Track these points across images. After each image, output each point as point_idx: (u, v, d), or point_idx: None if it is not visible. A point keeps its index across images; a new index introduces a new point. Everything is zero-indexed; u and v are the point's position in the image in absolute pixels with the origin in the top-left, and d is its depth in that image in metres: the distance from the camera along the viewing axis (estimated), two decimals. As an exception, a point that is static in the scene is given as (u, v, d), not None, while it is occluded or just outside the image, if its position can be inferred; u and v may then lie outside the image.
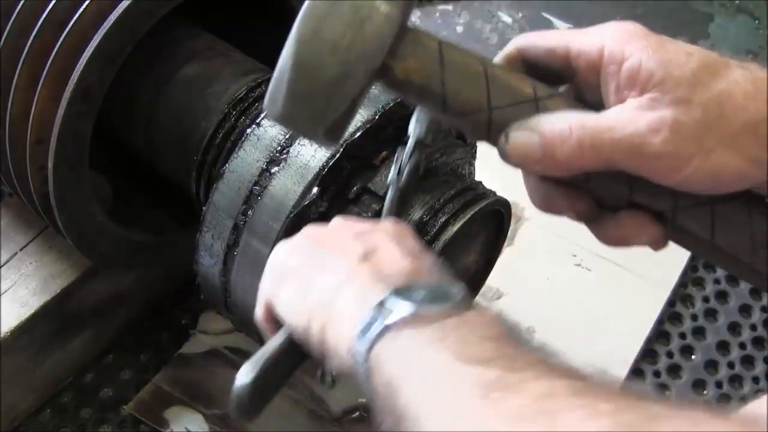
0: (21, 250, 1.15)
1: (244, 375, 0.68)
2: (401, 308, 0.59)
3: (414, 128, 0.85)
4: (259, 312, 0.73)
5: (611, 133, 0.60)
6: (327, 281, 0.66)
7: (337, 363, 0.65)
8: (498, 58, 0.72)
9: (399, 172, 0.85)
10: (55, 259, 1.14)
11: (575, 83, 0.67)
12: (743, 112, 0.59)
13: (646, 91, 0.60)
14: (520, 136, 0.64)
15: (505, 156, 0.65)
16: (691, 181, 0.60)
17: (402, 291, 0.61)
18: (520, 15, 1.82)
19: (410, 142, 0.85)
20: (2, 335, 1.08)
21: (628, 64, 0.62)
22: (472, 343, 0.57)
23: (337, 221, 0.74)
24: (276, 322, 0.71)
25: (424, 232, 0.89)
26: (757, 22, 1.83)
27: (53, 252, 1.15)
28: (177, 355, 1.25)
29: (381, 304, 0.60)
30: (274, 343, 0.70)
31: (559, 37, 0.67)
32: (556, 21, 1.81)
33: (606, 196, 0.64)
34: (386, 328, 0.59)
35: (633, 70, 0.61)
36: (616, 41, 0.64)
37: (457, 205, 0.90)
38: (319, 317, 0.65)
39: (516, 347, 0.57)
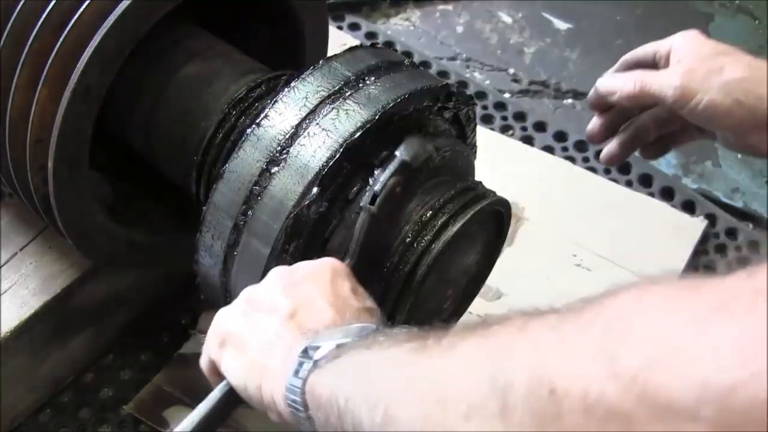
0: (21, 250, 1.15)
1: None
2: (325, 347, 0.69)
3: (404, 149, 0.87)
4: (204, 367, 0.82)
5: (655, 75, 0.99)
6: (259, 343, 0.76)
7: (276, 415, 0.73)
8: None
9: (373, 198, 0.85)
10: (55, 259, 1.14)
11: None
12: (736, 72, 0.95)
13: (683, 60, 0.98)
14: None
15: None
16: (696, 111, 0.95)
17: (324, 337, 0.71)
18: (520, 15, 1.82)
19: (395, 163, 0.87)
20: (2, 335, 1.08)
21: (679, 51, 1.00)
22: (395, 337, 0.65)
23: (273, 274, 0.81)
24: (219, 375, 0.80)
25: (424, 232, 0.89)
26: (757, 22, 1.83)
27: (53, 252, 1.15)
28: (177, 355, 1.25)
29: (305, 351, 0.70)
30: (212, 397, 0.80)
31: (659, 43, 1.04)
32: (556, 21, 1.81)
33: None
34: (315, 364, 0.68)
35: (681, 53, 0.99)
36: (680, 40, 1.01)
37: (457, 205, 0.90)
38: (255, 377, 0.75)
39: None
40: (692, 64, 0.97)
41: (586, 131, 1.12)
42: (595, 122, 1.10)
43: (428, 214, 0.89)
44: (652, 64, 1.03)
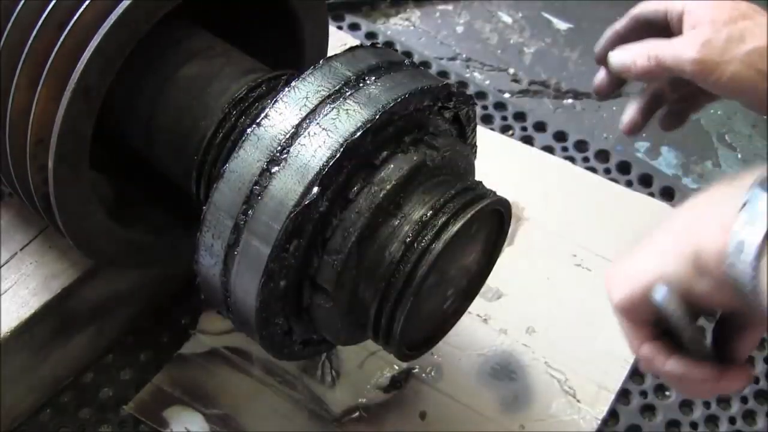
0: (21, 249, 1.15)
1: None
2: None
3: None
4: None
5: (671, 47, 0.92)
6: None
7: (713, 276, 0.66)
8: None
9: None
10: (55, 258, 1.14)
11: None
12: (758, 39, 0.88)
13: (698, 27, 0.91)
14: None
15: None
16: (718, 85, 0.89)
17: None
18: (520, 15, 1.82)
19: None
20: (2, 335, 1.08)
21: (692, 14, 0.93)
22: None
23: None
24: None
25: (424, 231, 0.89)
26: (757, 22, 1.83)
27: (53, 252, 1.15)
28: (177, 355, 1.25)
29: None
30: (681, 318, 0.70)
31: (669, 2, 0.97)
32: (555, 21, 1.81)
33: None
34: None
35: (694, 17, 0.92)
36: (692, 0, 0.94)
37: (458, 204, 0.90)
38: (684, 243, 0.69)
39: None
40: (709, 33, 0.90)
41: (594, 84, 1.06)
42: (601, 76, 1.06)
43: (428, 214, 0.89)
44: (663, 24, 0.97)
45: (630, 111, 1.05)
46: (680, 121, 1.09)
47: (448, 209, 0.90)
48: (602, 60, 1.05)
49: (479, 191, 0.94)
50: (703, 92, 0.99)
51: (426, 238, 0.88)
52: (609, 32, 1.03)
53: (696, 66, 0.89)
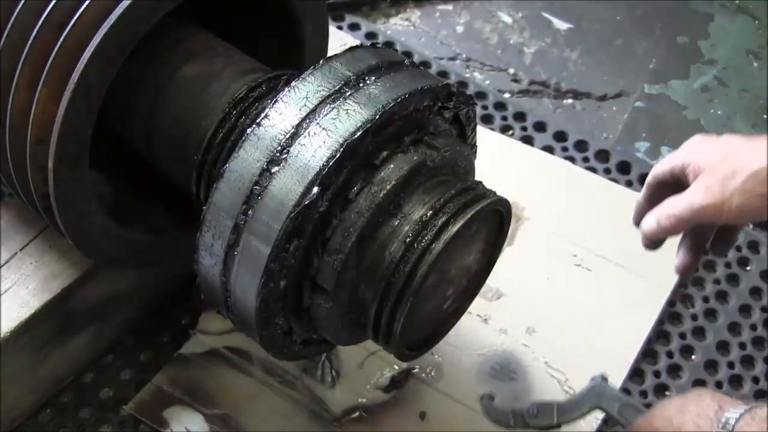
0: (21, 249, 1.15)
1: None
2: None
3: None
4: None
5: (683, 202, 1.01)
6: None
7: None
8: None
9: None
10: (55, 259, 1.14)
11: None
12: (747, 168, 0.96)
13: (699, 176, 1.01)
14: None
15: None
16: (731, 219, 0.99)
17: None
18: (520, 15, 1.82)
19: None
20: (2, 335, 1.08)
21: (691, 166, 1.03)
22: None
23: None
24: None
25: (424, 231, 0.89)
26: (757, 22, 1.83)
27: (53, 252, 1.15)
28: (177, 355, 1.25)
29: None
30: None
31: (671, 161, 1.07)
32: (556, 21, 1.81)
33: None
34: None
35: (694, 167, 1.02)
36: (689, 153, 1.04)
37: (458, 204, 0.90)
38: None
39: None
40: (707, 180, 0.99)
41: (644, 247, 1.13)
42: (646, 242, 1.13)
43: (428, 214, 0.89)
44: (677, 180, 1.05)
45: (681, 254, 1.12)
46: (729, 244, 1.14)
47: (448, 209, 0.90)
48: (649, 245, 1.12)
49: (479, 191, 0.94)
50: None
51: (426, 238, 0.88)
52: (636, 204, 1.13)
53: (706, 211, 0.98)
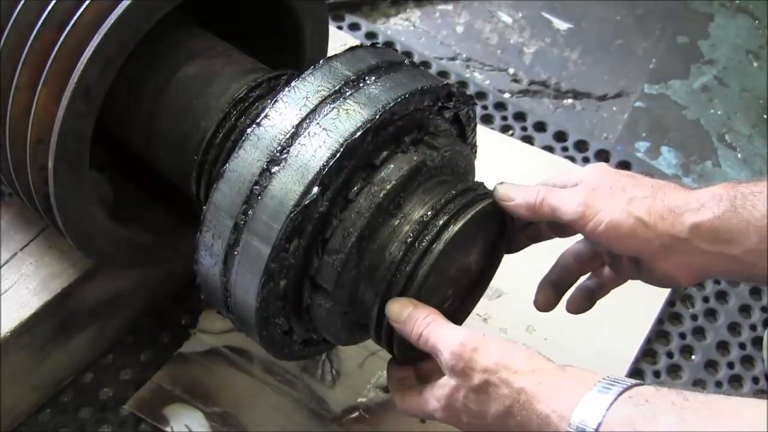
0: (21, 249, 1.15)
1: None
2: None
3: None
4: None
5: (560, 193, 0.93)
6: None
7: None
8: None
9: None
10: (55, 258, 1.14)
11: None
12: (638, 191, 0.89)
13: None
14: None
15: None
16: (595, 233, 0.89)
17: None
18: (520, 15, 1.82)
19: None
20: (2, 335, 1.08)
21: (583, 178, 0.95)
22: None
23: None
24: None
25: (425, 231, 0.89)
26: (757, 22, 1.83)
27: (53, 252, 1.15)
28: (177, 353, 1.25)
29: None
30: None
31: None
32: (556, 21, 1.81)
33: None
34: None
35: (583, 183, 0.93)
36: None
37: (459, 205, 0.91)
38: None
39: None
40: (596, 184, 0.91)
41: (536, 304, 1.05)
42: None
43: (429, 214, 0.89)
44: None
45: (542, 289, 1.04)
46: (588, 304, 1.06)
47: (448, 209, 0.90)
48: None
49: (480, 192, 0.94)
50: (612, 269, 1.01)
51: (427, 239, 0.88)
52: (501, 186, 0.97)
53: (579, 209, 0.89)
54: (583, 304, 1.05)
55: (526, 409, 0.81)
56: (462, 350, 0.85)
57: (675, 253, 0.88)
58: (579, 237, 0.97)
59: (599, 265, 1.03)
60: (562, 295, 1.04)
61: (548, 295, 1.04)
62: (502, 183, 0.95)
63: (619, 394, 0.77)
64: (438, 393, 0.88)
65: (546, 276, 1.05)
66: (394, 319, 0.89)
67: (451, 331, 0.88)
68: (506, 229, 0.99)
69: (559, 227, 0.99)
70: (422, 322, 0.88)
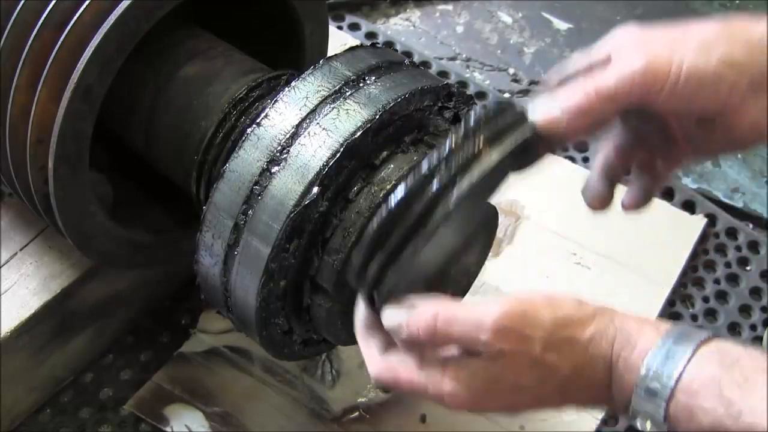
0: (21, 250, 1.15)
1: None
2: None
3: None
4: None
5: (605, 75, 0.75)
6: None
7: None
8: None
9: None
10: (55, 259, 1.14)
11: None
12: (705, 32, 0.77)
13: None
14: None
15: None
16: (674, 92, 0.73)
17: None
18: (520, 15, 1.82)
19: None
20: (2, 335, 1.08)
21: (620, 44, 0.79)
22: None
23: None
24: None
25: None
26: (756, 21, 1.83)
27: (53, 252, 1.15)
28: (177, 353, 1.25)
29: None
30: None
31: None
32: (556, 21, 1.81)
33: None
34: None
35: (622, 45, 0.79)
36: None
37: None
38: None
39: None
40: (650, 41, 0.75)
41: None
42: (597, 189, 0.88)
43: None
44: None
45: (592, 189, 0.88)
46: (646, 199, 0.90)
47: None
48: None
49: (479, 191, 0.94)
50: (662, 148, 0.85)
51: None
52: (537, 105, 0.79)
53: (644, 76, 0.73)
54: (640, 200, 0.89)
55: (594, 360, 0.70)
56: (508, 323, 0.71)
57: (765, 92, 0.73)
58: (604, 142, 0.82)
59: (645, 156, 0.87)
60: (611, 190, 0.88)
61: (603, 192, 0.86)
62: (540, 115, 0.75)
63: (698, 346, 0.66)
64: (467, 378, 0.73)
65: (590, 176, 0.88)
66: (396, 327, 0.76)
67: (477, 309, 0.72)
68: (494, 228, 0.97)
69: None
70: (430, 316, 0.73)
